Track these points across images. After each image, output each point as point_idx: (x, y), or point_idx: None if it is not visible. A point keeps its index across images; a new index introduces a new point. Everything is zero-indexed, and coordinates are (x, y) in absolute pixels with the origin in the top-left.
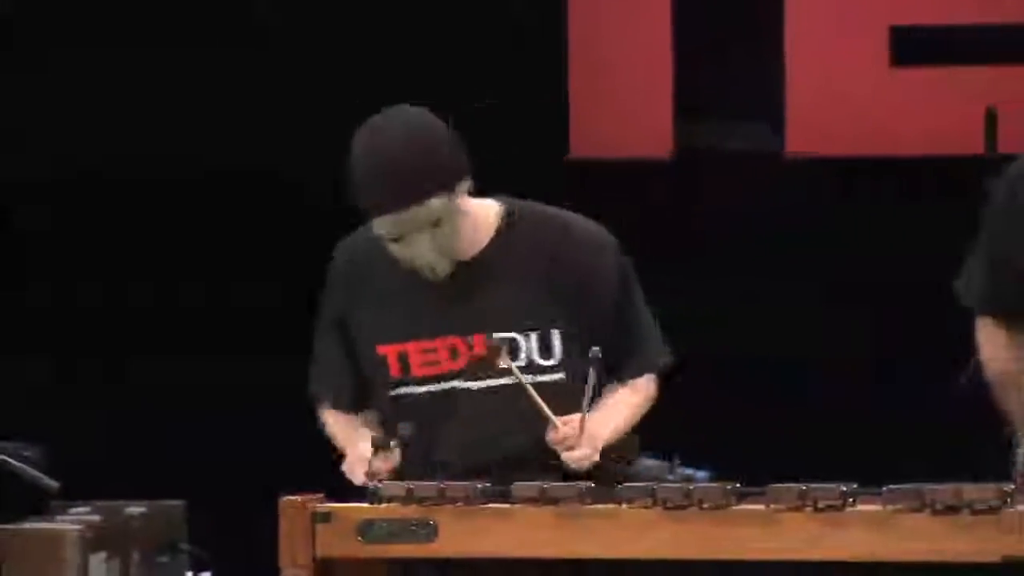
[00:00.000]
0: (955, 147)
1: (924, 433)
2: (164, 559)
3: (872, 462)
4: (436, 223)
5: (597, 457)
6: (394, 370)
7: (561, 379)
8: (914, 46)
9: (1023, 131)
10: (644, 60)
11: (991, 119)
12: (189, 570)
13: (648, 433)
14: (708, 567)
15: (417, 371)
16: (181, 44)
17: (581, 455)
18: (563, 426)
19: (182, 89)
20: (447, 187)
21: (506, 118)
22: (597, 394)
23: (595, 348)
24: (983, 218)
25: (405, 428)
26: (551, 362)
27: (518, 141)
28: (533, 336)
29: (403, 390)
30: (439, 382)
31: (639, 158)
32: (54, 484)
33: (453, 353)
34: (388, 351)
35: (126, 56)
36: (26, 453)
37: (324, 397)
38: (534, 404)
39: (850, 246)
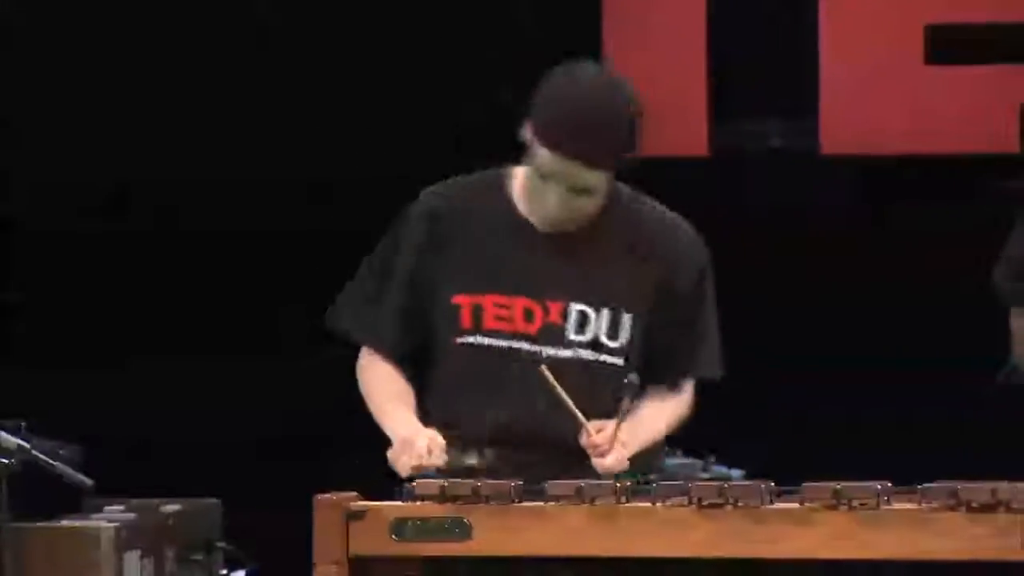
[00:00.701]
0: (990, 145)
1: (961, 432)
2: (199, 557)
3: (909, 461)
4: (589, 191)
5: (627, 465)
6: (466, 321)
7: (619, 364)
8: (949, 44)
9: None
10: (680, 59)
11: None
12: (224, 568)
13: (684, 433)
14: (743, 565)
15: (489, 324)
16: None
17: (612, 463)
18: (596, 433)
19: (186, 93)
20: (618, 166)
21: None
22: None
23: (632, 375)
24: (1019, 211)
25: (492, 453)
26: (616, 344)
27: None
28: (605, 313)
29: (470, 339)
30: (508, 340)
31: (676, 157)
32: (89, 482)
33: (527, 315)
34: (463, 301)
35: (121, 57)
36: (62, 451)
37: (370, 339)
38: (567, 409)
39: (886, 243)
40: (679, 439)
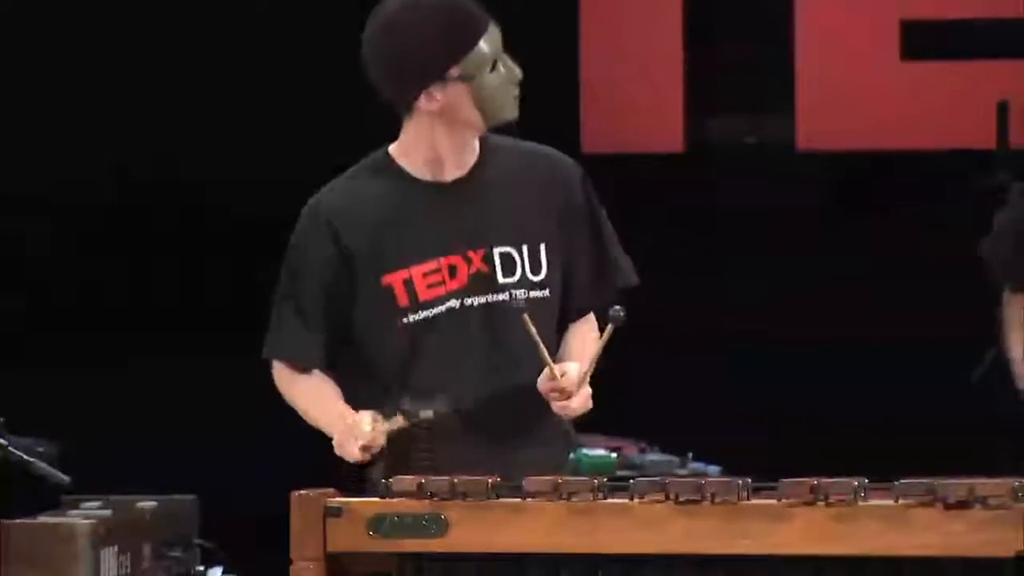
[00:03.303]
0: (967, 140)
1: (938, 429)
2: (176, 553)
3: (886, 458)
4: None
5: (590, 405)
6: (402, 299)
7: (546, 295)
8: (925, 40)
9: None
10: (656, 56)
11: (1003, 112)
12: (201, 564)
13: (661, 429)
14: (720, 561)
15: (424, 295)
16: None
17: (577, 405)
18: (560, 375)
19: (180, 90)
20: None
21: (518, 115)
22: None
23: (616, 307)
24: (1012, 192)
25: (442, 401)
26: (539, 277)
27: (530, 137)
28: (525, 249)
29: (413, 317)
30: (445, 302)
31: (651, 153)
32: (66, 478)
33: (452, 271)
34: (393, 280)
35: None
36: (39, 448)
37: (288, 356)
38: (540, 354)
39: (862, 240)
40: (658, 439)
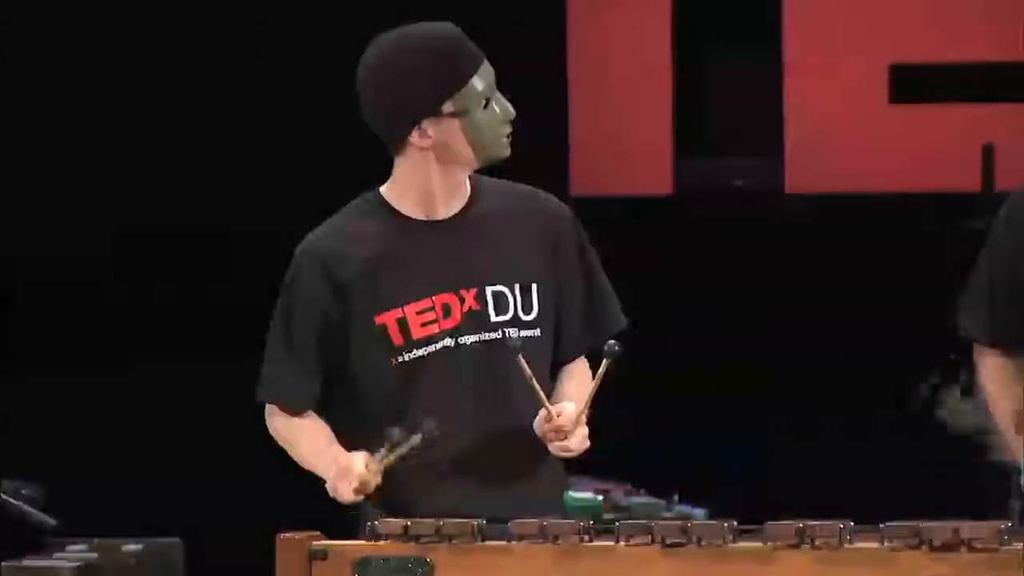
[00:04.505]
0: (953, 183)
1: (924, 471)
2: None
3: (872, 500)
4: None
5: (587, 445)
6: (396, 338)
7: (537, 335)
8: (913, 83)
9: (1020, 167)
10: (644, 98)
11: (988, 156)
12: None
13: (647, 472)
14: None
15: (418, 333)
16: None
17: (576, 445)
18: (557, 416)
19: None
20: None
21: (506, 158)
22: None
23: (611, 341)
24: (987, 246)
25: (430, 423)
26: (530, 317)
27: (518, 178)
28: (517, 289)
29: (407, 355)
30: (439, 341)
31: (640, 196)
32: (51, 521)
33: (446, 310)
34: (387, 319)
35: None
36: (24, 490)
37: (283, 399)
38: (534, 394)
39: (850, 281)
40: (643, 480)
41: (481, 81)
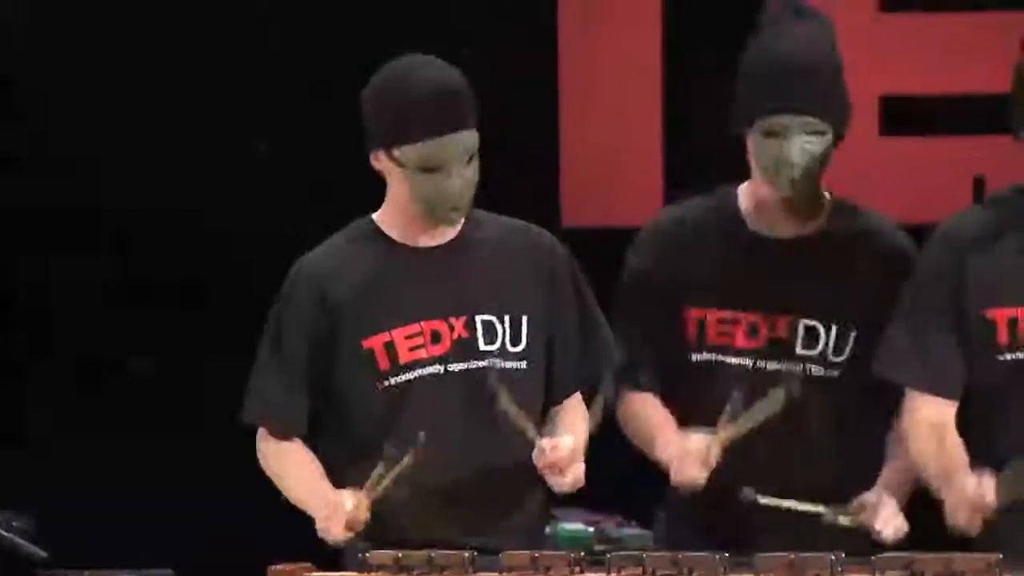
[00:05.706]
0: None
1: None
2: None
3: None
4: (470, 159)
5: (583, 481)
6: (383, 362)
7: (523, 367)
8: (904, 116)
9: None
10: (634, 129)
11: (979, 187)
12: None
13: (639, 503)
14: None
15: (405, 358)
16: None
17: (572, 480)
18: (551, 450)
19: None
20: (477, 124)
21: (497, 188)
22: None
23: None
24: (917, 287)
25: (420, 437)
26: (518, 349)
27: (509, 211)
28: (507, 320)
29: (394, 380)
30: (426, 367)
31: (631, 227)
32: (43, 553)
33: (435, 337)
34: (374, 343)
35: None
36: (15, 522)
37: (271, 419)
38: (520, 429)
39: None
40: (634, 509)
41: (436, 148)
